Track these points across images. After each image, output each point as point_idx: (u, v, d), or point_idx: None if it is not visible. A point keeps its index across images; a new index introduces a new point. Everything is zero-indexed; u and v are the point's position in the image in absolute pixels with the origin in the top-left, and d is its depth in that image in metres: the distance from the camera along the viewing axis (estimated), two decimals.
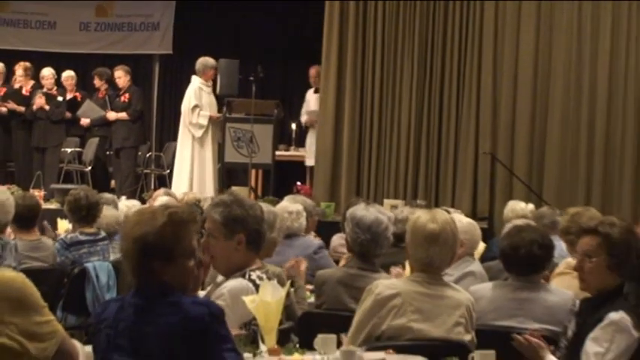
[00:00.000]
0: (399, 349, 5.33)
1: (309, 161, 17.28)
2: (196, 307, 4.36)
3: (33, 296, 4.64)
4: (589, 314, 5.47)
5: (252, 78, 16.17)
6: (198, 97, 16.23)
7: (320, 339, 5.44)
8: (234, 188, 15.09)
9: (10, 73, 18.34)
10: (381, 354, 5.31)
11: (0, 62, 18.47)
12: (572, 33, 17.25)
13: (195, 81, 16.40)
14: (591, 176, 17.10)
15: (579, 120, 17.22)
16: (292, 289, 6.49)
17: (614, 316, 5.35)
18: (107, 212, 10.12)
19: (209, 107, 16.31)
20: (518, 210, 10.96)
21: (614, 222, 5.66)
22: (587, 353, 5.22)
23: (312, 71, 17.53)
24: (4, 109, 17.95)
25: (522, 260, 6.42)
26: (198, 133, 16.14)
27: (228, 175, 17.38)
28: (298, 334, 6.17)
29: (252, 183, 16.46)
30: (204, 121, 16.10)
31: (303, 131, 17.91)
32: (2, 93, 18.10)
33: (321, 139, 17.40)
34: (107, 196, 11.58)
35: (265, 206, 7.25)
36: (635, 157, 17.00)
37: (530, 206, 11.60)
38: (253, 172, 16.56)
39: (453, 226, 6.16)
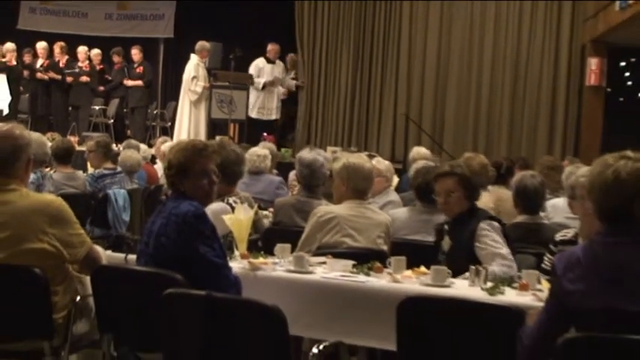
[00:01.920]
0: (336, 255, 5.33)
1: (253, 114, 17.15)
2: (187, 206, 4.49)
3: (68, 214, 4.68)
4: (459, 231, 5.48)
5: (231, 56, 16.22)
6: (196, 71, 16.27)
7: (278, 247, 5.45)
8: (218, 137, 15.16)
9: (51, 50, 18.20)
10: (322, 258, 5.32)
11: (44, 41, 18.36)
12: (465, 26, 17.52)
13: (194, 58, 16.41)
14: (477, 131, 17.38)
15: (469, 92, 17.46)
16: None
17: (483, 224, 5.41)
18: (133, 155, 10.26)
19: (203, 78, 16.30)
20: (421, 153, 11.00)
21: (460, 164, 5.73)
22: (488, 255, 5.24)
23: (273, 47, 17.41)
24: (46, 77, 17.92)
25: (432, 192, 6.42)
26: (194, 97, 16.21)
27: (213, 127, 17.31)
28: (263, 244, 6.16)
29: (231, 133, 16.42)
30: (200, 89, 16.15)
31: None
32: (46, 65, 18.05)
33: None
34: (133, 142, 11.71)
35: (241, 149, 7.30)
36: (509, 119, 17.26)
37: (428, 151, 11.67)
38: (232, 125, 16.53)
39: (372, 165, 6.29)
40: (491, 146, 16.97)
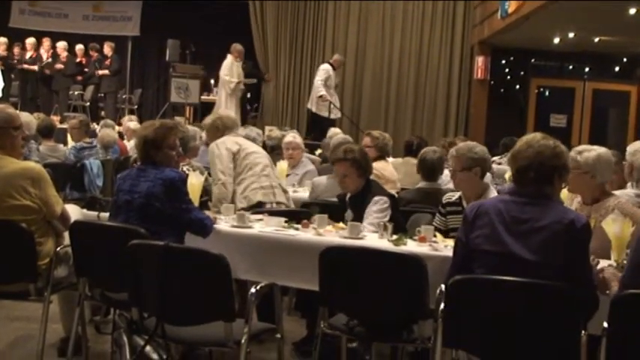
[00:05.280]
0: (271, 214, 5.34)
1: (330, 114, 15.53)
2: (172, 172, 4.57)
3: (46, 178, 4.70)
4: (359, 203, 5.38)
5: (187, 52, 16.11)
6: (230, 69, 15.65)
7: (224, 207, 5.44)
8: (176, 118, 15.12)
9: (39, 45, 17.81)
10: (260, 216, 5.30)
11: (33, 37, 17.95)
12: (379, 23, 17.63)
13: (229, 58, 15.60)
14: (387, 114, 17.47)
15: (381, 82, 17.54)
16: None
17: (377, 198, 5.31)
18: (110, 133, 10.39)
19: (236, 75, 15.62)
20: (337, 131, 11.10)
21: (352, 148, 5.54)
22: (373, 222, 5.17)
23: (339, 58, 15.99)
24: (33, 68, 17.57)
25: None
26: (230, 91, 15.59)
27: (173, 109, 17.20)
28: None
29: (187, 115, 16.33)
30: (233, 85, 15.59)
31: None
32: (34, 56, 17.64)
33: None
34: (109, 121, 11.78)
35: (192, 128, 7.26)
36: (413, 104, 17.35)
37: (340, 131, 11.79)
38: (187, 108, 16.43)
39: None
40: (399, 127, 17.11)
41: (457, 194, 5.35)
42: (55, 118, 14.04)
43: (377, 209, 5.23)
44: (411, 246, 4.53)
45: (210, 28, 18.47)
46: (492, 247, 3.51)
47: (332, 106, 15.08)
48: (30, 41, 17.83)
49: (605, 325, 3.31)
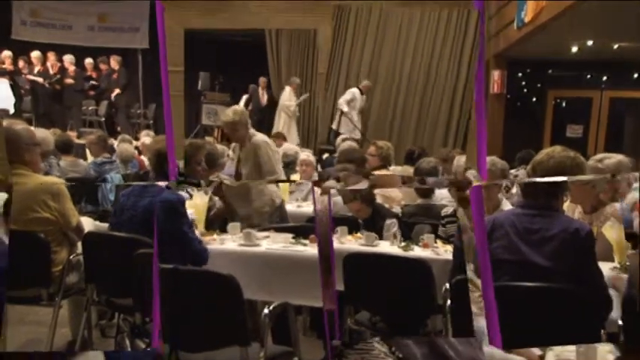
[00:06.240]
0: (277, 230, 5.53)
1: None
2: (171, 194, 4.59)
3: (65, 193, 4.91)
4: (371, 225, 5.74)
5: (216, 82, 16.84)
6: (289, 98, 16.62)
7: (230, 226, 5.58)
8: (207, 138, 15.68)
9: (45, 59, 17.83)
10: (267, 233, 5.43)
11: (38, 51, 17.92)
12: (396, 32, 17.54)
13: (287, 89, 16.71)
14: (392, 125, 17.52)
15: (390, 93, 17.54)
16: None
17: (389, 222, 5.70)
18: (128, 148, 10.52)
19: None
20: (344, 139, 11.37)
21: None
22: (392, 236, 5.48)
23: (367, 84, 16.74)
24: (39, 80, 17.55)
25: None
26: (291, 114, 16.68)
27: (204, 131, 17.53)
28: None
29: (216, 135, 16.70)
30: (292, 109, 16.65)
31: None
32: (42, 71, 17.66)
33: None
34: (126, 136, 11.92)
35: (221, 147, 7.47)
36: (417, 116, 17.43)
37: (349, 139, 11.99)
38: (216, 130, 16.82)
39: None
40: (402, 137, 17.23)
41: (451, 208, 5.73)
42: (72, 134, 14.14)
43: (394, 231, 5.58)
44: (417, 251, 5.05)
45: (237, 61, 18.71)
46: (511, 257, 3.75)
47: (353, 126, 15.65)
48: (35, 55, 17.76)
49: (620, 322, 3.52)
